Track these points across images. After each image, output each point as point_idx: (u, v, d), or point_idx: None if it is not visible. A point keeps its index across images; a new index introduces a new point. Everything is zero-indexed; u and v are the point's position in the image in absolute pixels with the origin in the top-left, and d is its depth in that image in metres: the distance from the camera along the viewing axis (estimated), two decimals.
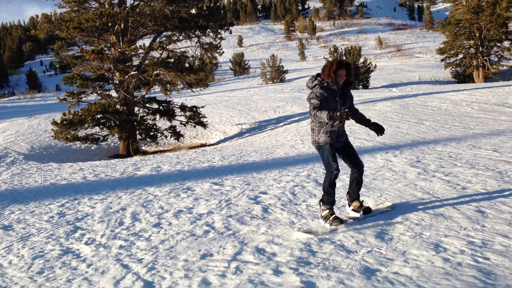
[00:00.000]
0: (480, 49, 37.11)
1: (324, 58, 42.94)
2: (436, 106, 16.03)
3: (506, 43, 36.92)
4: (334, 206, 4.62)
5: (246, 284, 3.27)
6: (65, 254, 4.40)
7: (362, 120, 4.60)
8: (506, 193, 5.09)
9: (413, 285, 3.01)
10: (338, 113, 3.94)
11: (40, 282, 3.71)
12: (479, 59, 37.11)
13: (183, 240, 4.48)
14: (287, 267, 3.53)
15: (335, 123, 4.37)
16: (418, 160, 7.55)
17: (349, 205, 4.66)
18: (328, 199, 4.45)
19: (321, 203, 4.53)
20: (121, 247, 4.47)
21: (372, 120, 4.63)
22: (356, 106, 4.82)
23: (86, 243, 4.68)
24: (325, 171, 4.58)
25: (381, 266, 3.35)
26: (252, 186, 6.83)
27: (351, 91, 5.09)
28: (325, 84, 4.32)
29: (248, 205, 5.67)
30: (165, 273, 3.65)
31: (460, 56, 38.54)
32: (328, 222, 4.34)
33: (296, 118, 18.54)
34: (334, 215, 4.37)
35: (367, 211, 4.53)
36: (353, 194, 4.65)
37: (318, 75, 4.44)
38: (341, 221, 4.34)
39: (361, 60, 35.60)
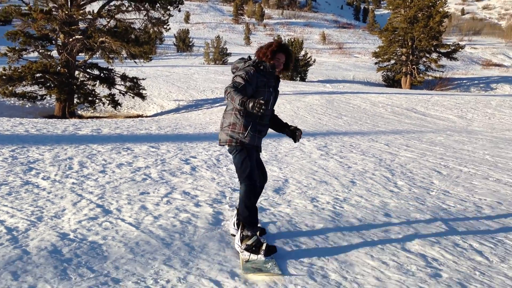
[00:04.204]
0: (411, 57, 40.16)
1: None
2: (357, 104, 17.94)
3: (434, 55, 40.31)
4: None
5: (174, 210, 4.54)
6: (26, 184, 5.40)
7: (278, 124, 3.86)
8: (377, 172, 6.73)
9: (287, 217, 4.43)
10: (251, 103, 3.09)
11: (10, 200, 4.73)
12: (408, 67, 40.17)
13: (125, 183, 5.64)
14: (205, 203, 4.84)
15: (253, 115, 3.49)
16: (325, 146, 9.11)
17: (237, 225, 3.81)
18: (252, 220, 3.55)
19: (242, 229, 3.57)
20: (73, 183, 5.54)
21: (291, 125, 3.84)
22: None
23: (43, 179, 5.69)
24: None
25: (271, 207, 4.75)
26: (184, 152, 8.03)
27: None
28: (261, 67, 3.54)
29: (179, 164, 6.89)
30: (112, 201, 4.82)
31: (392, 61, 41.48)
32: (261, 252, 3.39)
33: None
34: (264, 243, 3.46)
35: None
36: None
37: (249, 58, 3.70)
38: (274, 248, 3.50)
39: (302, 53, 37.41)
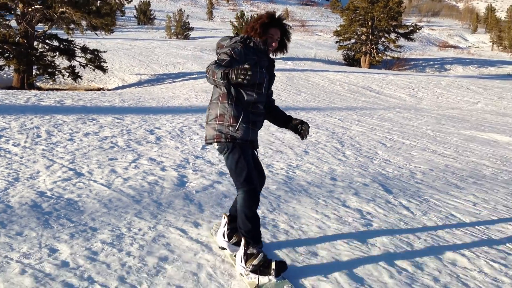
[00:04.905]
0: (370, 37, 41.11)
1: (230, 22, 44.30)
2: (315, 82, 18.60)
3: (393, 35, 41.43)
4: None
5: (142, 173, 4.99)
6: None
7: (279, 117, 3.27)
8: (328, 143, 7.37)
9: None
10: (234, 72, 2.47)
11: None
12: (368, 46, 41.15)
13: (94, 150, 6.00)
14: (170, 168, 5.30)
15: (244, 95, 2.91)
16: None
17: (229, 237, 3.24)
18: (256, 233, 2.94)
19: (246, 247, 2.91)
20: (44, 150, 5.85)
21: (295, 118, 3.24)
22: None
23: (14, 145, 5.97)
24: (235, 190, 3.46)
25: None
26: (148, 123, 8.40)
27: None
28: (250, 44, 2.97)
29: (144, 134, 7.27)
30: (83, 165, 5.20)
31: (353, 40, 42.32)
32: (272, 272, 2.80)
33: (194, 76, 20.03)
34: (274, 260, 2.84)
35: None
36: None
37: (237, 35, 3.09)
38: (285, 264, 2.87)
39: None
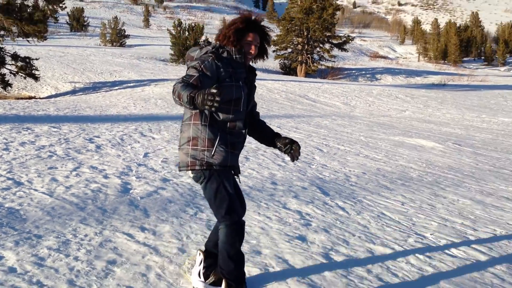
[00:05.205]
0: (306, 47, 42.37)
1: (167, 30, 43.97)
2: None
3: (327, 46, 42.93)
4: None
5: (84, 181, 4.98)
6: None
7: (266, 134, 2.91)
8: (268, 150, 7.64)
9: (188, 186, 5.09)
10: (200, 97, 2.10)
11: None
12: (303, 56, 42.38)
13: (31, 159, 5.87)
14: (113, 175, 5.32)
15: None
16: None
17: (205, 276, 2.84)
18: (240, 274, 2.66)
19: None
20: None
21: (285, 136, 2.88)
22: None
23: None
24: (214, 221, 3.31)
25: (174, 178, 5.36)
26: (87, 131, 8.27)
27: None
28: (224, 54, 2.59)
29: (84, 143, 7.18)
30: (22, 174, 5.10)
31: (289, 50, 43.43)
32: None
33: (132, 84, 19.74)
34: None
35: None
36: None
37: (208, 42, 2.81)
38: None
39: (203, 38, 37.69)
